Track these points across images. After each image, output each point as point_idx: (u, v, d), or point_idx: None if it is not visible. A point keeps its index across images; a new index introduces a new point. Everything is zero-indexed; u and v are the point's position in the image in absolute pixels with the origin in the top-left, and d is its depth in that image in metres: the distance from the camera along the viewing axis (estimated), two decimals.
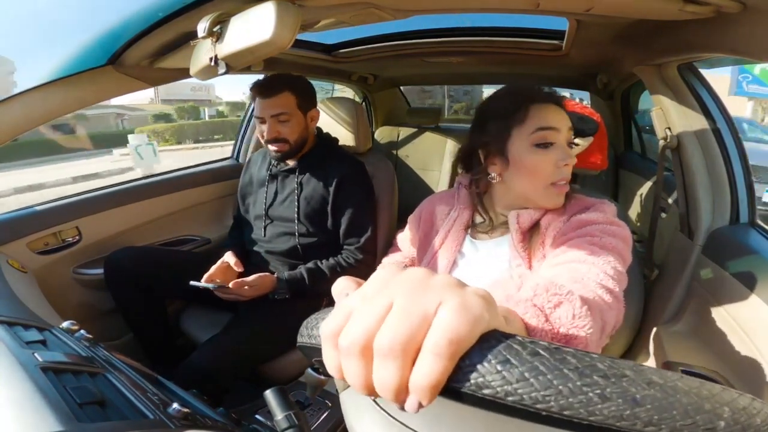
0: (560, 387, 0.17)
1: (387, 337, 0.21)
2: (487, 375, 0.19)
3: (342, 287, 0.29)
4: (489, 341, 0.20)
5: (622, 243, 0.61)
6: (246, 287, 1.10)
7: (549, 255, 0.64)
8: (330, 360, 0.24)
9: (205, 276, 1.12)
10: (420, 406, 0.21)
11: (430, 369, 0.20)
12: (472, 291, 0.22)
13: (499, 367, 0.18)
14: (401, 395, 0.21)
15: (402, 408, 0.21)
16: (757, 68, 10.69)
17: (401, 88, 2.50)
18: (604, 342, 0.51)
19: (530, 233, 0.70)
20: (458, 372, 0.19)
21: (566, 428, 0.17)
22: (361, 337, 0.22)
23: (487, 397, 0.19)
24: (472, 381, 0.19)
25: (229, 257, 1.19)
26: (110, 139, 15.41)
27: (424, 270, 0.24)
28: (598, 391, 0.16)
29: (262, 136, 1.20)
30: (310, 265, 1.21)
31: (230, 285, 1.09)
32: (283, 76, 1.21)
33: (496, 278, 0.69)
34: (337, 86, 2.63)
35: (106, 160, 12.22)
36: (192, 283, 1.09)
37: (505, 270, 0.70)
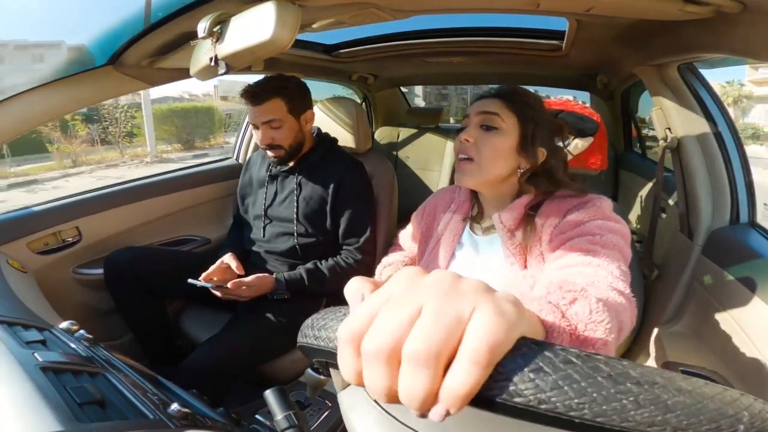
0: (594, 394, 0.17)
1: (420, 343, 0.19)
2: (521, 383, 0.18)
3: (357, 288, 0.28)
4: (521, 348, 0.19)
5: (622, 240, 0.62)
6: (244, 287, 1.10)
7: (549, 256, 0.64)
8: (348, 365, 0.22)
9: (204, 275, 1.12)
10: (447, 414, 0.20)
11: (466, 377, 0.19)
12: (503, 297, 0.22)
13: (532, 375, 0.18)
14: (429, 404, 0.20)
15: (423, 416, 0.20)
16: None
17: (401, 88, 2.50)
18: (618, 344, 0.51)
19: (524, 231, 0.70)
20: (490, 379, 0.19)
21: None
22: (389, 342, 0.20)
23: (519, 405, 0.18)
24: (505, 389, 0.19)
25: (229, 259, 1.18)
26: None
27: (452, 273, 0.23)
28: (632, 398, 0.17)
29: (258, 142, 1.21)
30: (309, 265, 1.21)
31: (229, 285, 1.09)
32: (272, 81, 1.17)
33: (503, 278, 0.70)
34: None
35: None
36: (190, 280, 1.08)
37: (502, 268, 0.70)
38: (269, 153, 1.21)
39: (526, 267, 0.67)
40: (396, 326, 0.21)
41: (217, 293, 1.10)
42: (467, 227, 0.80)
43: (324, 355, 0.28)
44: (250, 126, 1.71)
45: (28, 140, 9.60)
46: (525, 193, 0.73)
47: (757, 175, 1.04)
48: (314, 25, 0.80)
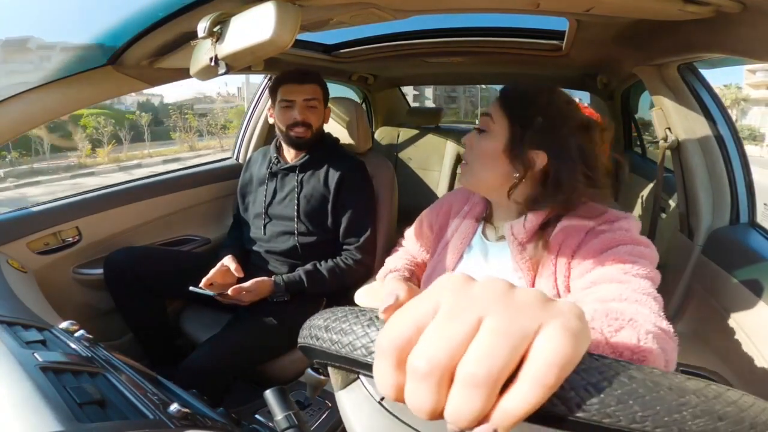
0: (657, 407, 0.18)
1: (480, 365, 0.18)
2: (586, 398, 0.18)
3: (391, 290, 0.25)
4: (582, 362, 0.19)
5: (652, 267, 0.57)
6: (244, 293, 1.11)
7: (573, 282, 0.60)
8: (387, 379, 0.20)
9: (204, 279, 1.12)
10: None
11: (527, 398, 0.18)
12: (569, 310, 0.20)
13: (595, 390, 0.18)
14: (476, 424, 0.18)
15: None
16: None
17: (401, 88, 2.50)
18: None
19: (536, 247, 0.65)
20: (553, 396, 0.19)
21: None
22: (443, 360, 0.18)
23: (582, 420, 0.18)
24: (567, 404, 0.19)
25: (229, 262, 1.18)
26: None
27: (505, 281, 0.21)
28: (691, 410, 0.18)
29: (287, 121, 1.22)
30: (308, 267, 1.21)
31: (229, 292, 1.09)
32: (311, 70, 1.30)
33: None
34: None
35: None
36: (191, 288, 1.10)
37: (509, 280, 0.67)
38: (297, 131, 1.23)
39: (533, 286, 0.64)
40: (452, 342, 0.18)
41: (219, 299, 1.11)
42: (479, 230, 0.77)
43: (324, 356, 0.28)
44: (251, 126, 1.73)
45: (158, 130, 14.37)
46: (532, 203, 0.67)
47: (756, 175, 1.04)
48: (314, 25, 0.80)
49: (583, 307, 0.52)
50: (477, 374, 0.18)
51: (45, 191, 7.83)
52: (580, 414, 0.18)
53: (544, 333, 0.18)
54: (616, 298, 0.52)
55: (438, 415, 0.19)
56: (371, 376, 0.22)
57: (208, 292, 1.10)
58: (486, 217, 0.77)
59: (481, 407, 0.18)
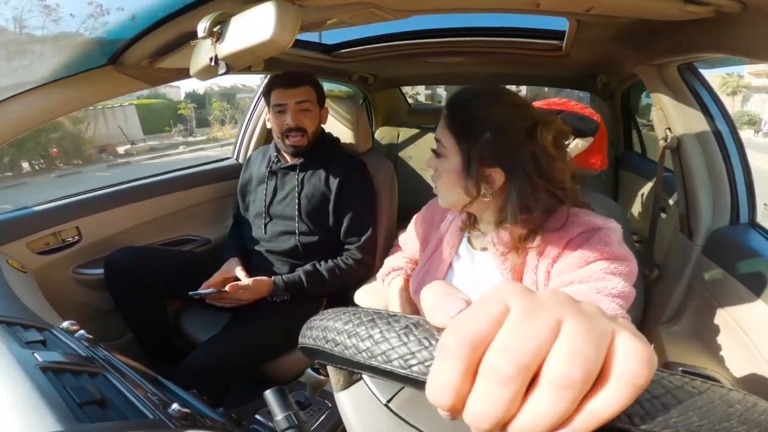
0: (712, 417, 0.19)
1: (574, 362, 0.16)
2: (652, 410, 0.19)
3: (455, 296, 0.21)
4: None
5: (627, 284, 0.56)
6: (241, 291, 1.11)
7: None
8: (451, 383, 0.18)
9: (206, 283, 1.13)
10: None
11: (618, 397, 0.17)
12: (627, 322, 0.20)
13: (661, 403, 0.19)
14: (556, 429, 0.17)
15: None
16: None
17: (402, 88, 2.50)
18: None
19: (515, 257, 0.64)
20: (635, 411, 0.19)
21: None
22: (531, 359, 0.17)
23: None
24: (636, 416, 0.19)
25: (239, 272, 1.18)
26: None
27: (565, 293, 0.20)
28: (737, 418, 0.19)
29: (280, 127, 1.21)
30: (308, 267, 1.21)
31: (227, 288, 1.09)
32: (303, 72, 1.27)
33: None
34: None
35: None
36: (191, 293, 1.11)
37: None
38: (292, 139, 1.22)
39: None
40: (538, 342, 0.17)
41: (216, 303, 1.12)
42: (465, 239, 0.77)
43: (325, 356, 0.28)
44: (251, 125, 1.73)
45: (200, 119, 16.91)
46: (505, 218, 0.64)
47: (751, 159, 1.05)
48: (315, 25, 0.79)
49: None
50: (570, 374, 0.16)
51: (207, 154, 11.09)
52: (645, 427, 0.18)
53: (622, 336, 0.18)
54: None
55: (504, 426, 0.17)
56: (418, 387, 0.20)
57: (207, 291, 1.10)
58: (471, 225, 0.75)
59: (566, 411, 0.17)
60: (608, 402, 0.17)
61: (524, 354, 0.17)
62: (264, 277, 1.16)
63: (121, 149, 12.86)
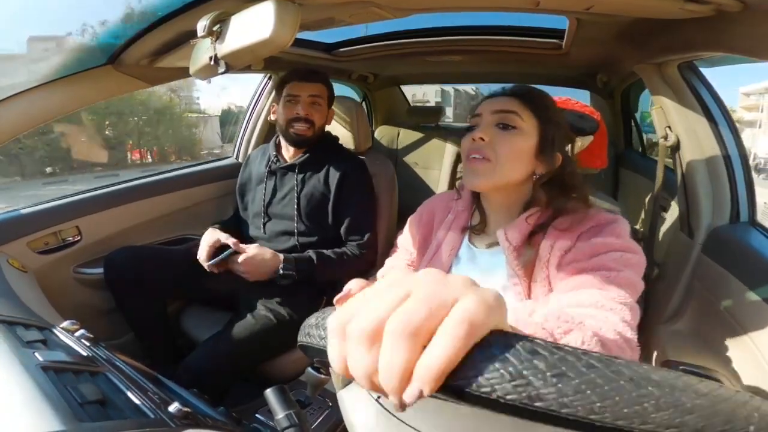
0: (617, 398, 0.18)
1: (400, 319, 0.21)
2: (542, 388, 0.18)
3: (353, 286, 0.28)
4: (539, 354, 0.19)
5: (637, 275, 0.58)
6: (251, 255, 1.12)
7: (558, 284, 0.60)
8: (335, 352, 0.24)
9: (199, 256, 1.15)
10: (420, 395, 0.20)
11: (443, 350, 0.19)
12: (486, 290, 0.22)
13: (554, 380, 0.18)
14: (404, 383, 0.20)
15: (400, 404, 0.21)
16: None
17: (400, 87, 2.50)
18: None
19: (528, 252, 0.65)
20: (508, 383, 0.19)
21: None
22: (372, 322, 0.21)
23: (540, 409, 0.18)
24: (524, 394, 0.19)
25: (221, 236, 1.16)
26: None
27: (439, 270, 0.24)
28: (653, 402, 0.17)
29: (288, 116, 1.22)
30: (316, 251, 1.21)
31: (242, 247, 1.12)
32: (319, 70, 1.32)
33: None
34: None
35: None
36: (210, 262, 1.12)
37: (505, 288, 0.66)
38: (298, 127, 1.22)
39: (530, 290, 0.64)
40: (381, 309, 0.22)
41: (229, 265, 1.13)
42: (465, 239, 0.76)
43: (324, 354, 0.28)
44: (251, 125, 1.73)
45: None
46: (535, 204, 0.67)
47: None
48: (314, 24, 0.79)
49: (541, 309, 0.52)
50: (397, 326, 0.20)
51: None
52: (539, 403, 0.18)
53: (460, 301, 0.21)
54: (593, 304, 0.53)
55: (373, 378, 0.21)
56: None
57: (224, 254, 1.11)
58: (473, 225, 0.75)
59: (404, 359, 0.20)
60: (435, 353, 0.20)
61: (367, 319, 0.22)
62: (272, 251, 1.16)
63: (216, 150, 15.19)
